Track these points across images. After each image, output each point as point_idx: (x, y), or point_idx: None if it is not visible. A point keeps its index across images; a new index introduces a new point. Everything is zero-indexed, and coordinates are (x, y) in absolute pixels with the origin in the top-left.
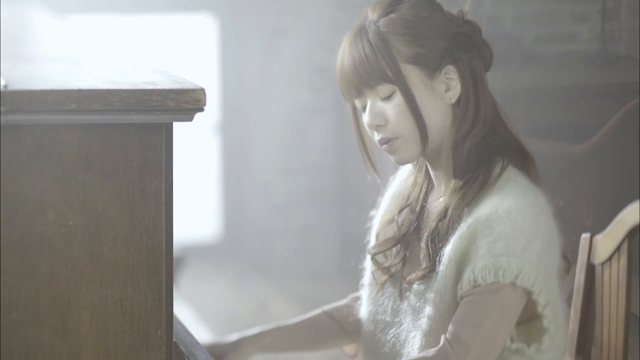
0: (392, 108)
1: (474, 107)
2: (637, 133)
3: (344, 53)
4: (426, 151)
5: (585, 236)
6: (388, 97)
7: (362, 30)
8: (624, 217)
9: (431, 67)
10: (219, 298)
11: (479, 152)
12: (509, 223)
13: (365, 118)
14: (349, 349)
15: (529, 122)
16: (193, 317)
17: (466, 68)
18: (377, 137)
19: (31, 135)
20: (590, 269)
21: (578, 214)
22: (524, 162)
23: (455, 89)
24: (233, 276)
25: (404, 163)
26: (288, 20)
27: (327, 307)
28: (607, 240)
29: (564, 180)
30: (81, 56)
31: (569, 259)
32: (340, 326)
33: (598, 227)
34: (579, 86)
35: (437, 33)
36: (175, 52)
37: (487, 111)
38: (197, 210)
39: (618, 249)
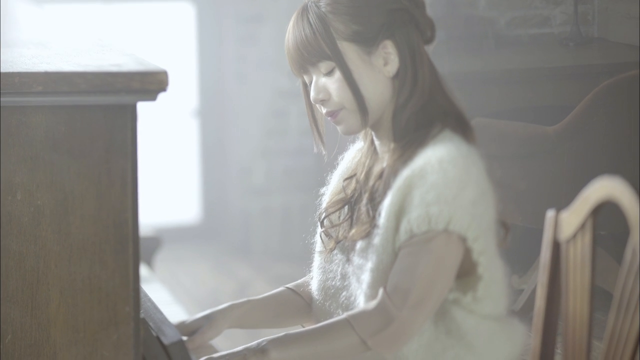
0: (333, 83)
1: (412, 78)
2: (608, 114)
3: (289, 33)
4: (367, 122)
5: (550, 213)
6: (329, 73)
7: (304, 11)
8: (589, 195)
9: (368, 43)
10: (200, 280)
11: (418, 119)
12: (440, 172)
13: (311, 93)
14: (309, 324)
15: (502, 103)
16: (169, 297)
17: (403, 42)
18: (323, 110)
19: None
20: (556, 245)
21: (550, 194)
22: (461, 127)
23: (394, 63)
24: (213, 258)
25: (349, 133)
26: (265, 4)
27: (289, 285)
28: (572, 217)
29: (536, 160)
30: (50, 40)
31: (507, 225)
32: (303, 299)
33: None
34: (552, 68)
35: (374, 10)
36: (155, 38)
37: (425, 81)
38: (177, 193)
39: (582, 225)
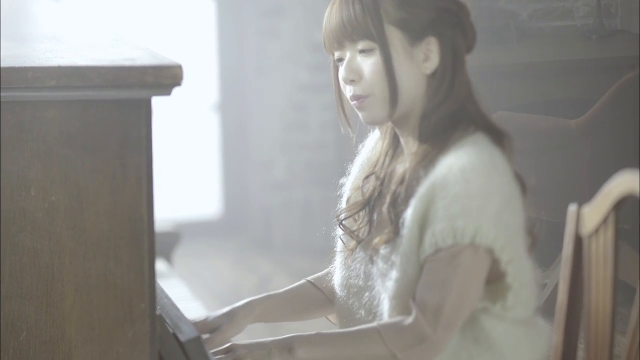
0: (369, 66)
1: (449, 82)
2: (631, 107)
3: (334, 6)
4: (394, 114)
5: (572, 208)
6: (366, 53)
7: None
8: (611, 189)
9: (414, 34)
10: (221, 275)
11: (445, 123)
12: (463, 182)
13: (341, 72)
14: (334, 317)
15: (525, 97)
16: (189, 293)
17: (448, 43)
18: (349, 92)
19: (12, 112)
20: (578, 240)
21: (573, 188)
22: (494, 135)
23: (433, 61)
24: (234, 253)
25: (371, 123)
26: None
27: (310, 277)
28: (594, 212)
29: (559, 154)
30: (64, 34)
31: (534, 235)
32: (324, 294)
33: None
34: (575, 61)
35: (426, 3)
36: (175, 31)
37: (461, 89)
38: (198, 188)
39: (605, 220)
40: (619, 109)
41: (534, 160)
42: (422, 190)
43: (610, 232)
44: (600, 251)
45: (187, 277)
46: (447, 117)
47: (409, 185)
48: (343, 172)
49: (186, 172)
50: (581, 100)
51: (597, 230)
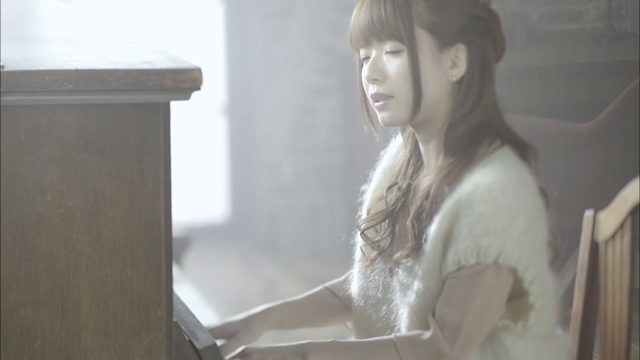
0: (395, 67)
1: (478, 92)
2: None
3: (365, 3)
4: (415, 118)
5: (588, 213)
6: (393, 53)
7: None
8: (627, 194)
9: (444, 39)
10: (227, 279)
11: (471, 135)
12: (489, 202)
13: (365, 71)
14: (351, 324)
15: (535, 100)
16: (199, 298)
17: (477, 52)
18: (371, 90)
19: (29, 116)
20: (594, 246)
21: (583, 192)
22: (520, 149)
23: (460, 68)
24: (241, 257)
25: (390, 124)
26: (293, 1)
27: (327, 284)
28: (611, 218)
29: (569, 159)
30: (80, 37)
31: (556, 248)
32: (342, 301)
33: (605, 205)
34: (586, 64)
35: (459, 9)
36: (182, 34)
37: (489, 100)
38: (205, 191)
39: (621, 226)
40: (631, 112)
41: (544, 165)
42: (446, 207)
43: (626, 238)
44: (617, 258)
45: (196, 281)
46: (473, 129)
47: (434, 200)
48: (351, 176)
49: (193, 174)
50: (591, 104)
51: (613, 237)
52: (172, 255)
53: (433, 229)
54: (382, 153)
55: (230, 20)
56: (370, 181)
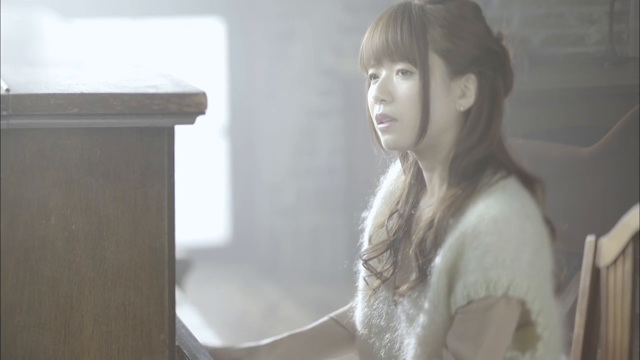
0: (405, 89)
1: (485, 125)
2: None
3: (380, 22)
4: (419, 144)
5: (590, 239)
6: (404, 75)
7: (406, 8)
8: (629, 220)
9: (456, 67)
10: (228, 301)
11: (476, 167)
12: (495, 233)
13: (373, 91)
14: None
15: (536, 124)
16: (200, 321)
17: (487, 84)
18: (377, 110)
19: (33, 139)
20: (596, 272)
21: (585, 217)
22: (526, 181)
23: (469, 99)
24: (242, 279)
25: (393, 148)
26: (295, 22)
27: (333, 314)
28: (612, 243)
29: (570, 182)
30: (84, 60)
31: (560, 279)
32: (347, 331)
33: (606, 230)
34: (587, 88)
35: (473, 40)
36: (184, 55)
37: (497, 134)
38: (205, 213)
39: (623, 251)
40: (632, 137)
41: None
42: (451, 240)
43: (628, 264)
44: (619, 283)
45: (196, 303)
46: (477, 161)
47: (438, 231)
48: (353, 199)
49: (194, 196)
50: (593, 127)
51: (615, 262)
52: (175, 279)
53: (438, 262)
54: (381, 179)
55: (233, 41)
56: (371, 207)
